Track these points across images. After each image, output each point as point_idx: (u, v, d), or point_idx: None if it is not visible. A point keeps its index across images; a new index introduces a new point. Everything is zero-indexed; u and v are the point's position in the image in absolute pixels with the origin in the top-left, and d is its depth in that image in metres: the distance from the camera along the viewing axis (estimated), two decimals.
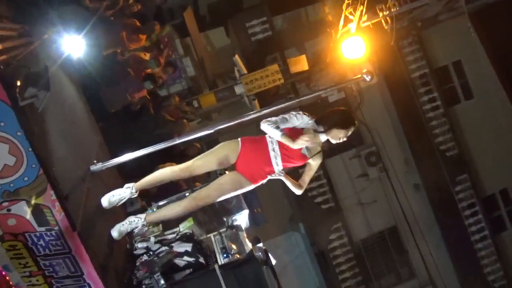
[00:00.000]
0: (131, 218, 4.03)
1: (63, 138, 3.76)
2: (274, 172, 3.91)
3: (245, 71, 9.04)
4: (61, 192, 3.23)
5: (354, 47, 8.56)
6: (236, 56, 9.05)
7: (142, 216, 4.07)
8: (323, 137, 3.94)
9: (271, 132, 3.76)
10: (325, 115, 3.96)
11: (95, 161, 4.10)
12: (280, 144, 3.83)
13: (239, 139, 3.98)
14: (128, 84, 6.90)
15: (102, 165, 4.11)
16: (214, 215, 5.08)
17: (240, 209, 5.11)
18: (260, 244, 4.12)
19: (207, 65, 9.70)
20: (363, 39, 8.44)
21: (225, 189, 3.92)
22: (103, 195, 3.91)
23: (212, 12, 10.99)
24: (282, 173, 3.96)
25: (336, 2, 9.47)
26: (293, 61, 9.42)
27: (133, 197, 4.01)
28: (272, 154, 3.88)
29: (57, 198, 3.21)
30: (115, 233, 4.00)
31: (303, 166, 4.14)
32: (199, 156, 3.98)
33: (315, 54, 9.88)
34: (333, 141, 3.93)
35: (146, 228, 4.51)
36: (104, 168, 4.12)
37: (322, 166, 10.60)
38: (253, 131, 4.26)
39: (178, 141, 4.28)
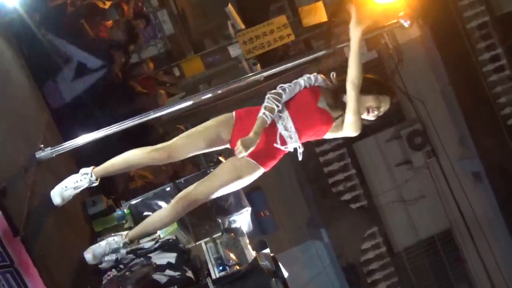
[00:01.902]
0: (109, 238, 4.12)
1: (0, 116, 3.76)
2: (286, 144, 3.90)
3: (242, 26, 8.99)
4: None
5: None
6: (230, 6, 8.99)
7: (123, 232, 4.12)
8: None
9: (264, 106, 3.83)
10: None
11: (41, 146, 4.10)
12: (291, 106, 3.89)
13: (233, 112, 4.04)
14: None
15: (51, 150, 4.12)
16: (205, 216, 5.10)
17: (240, 207, 5.12)
18: (267, 251, 4.12)
19: (191, 20, 9.69)
20: None
21: (226, 179, 3.91)
22: (53, 188, 3.92)
23: None
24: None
25: None
26: (306, 10, 9.36)
27: (93, 185, 4.03)
28: (279, 126, 3.89)
29: None
30: (88, 255, 4.07)
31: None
32: (181, 135, 4.00)
33: (335, 2, 9.81)
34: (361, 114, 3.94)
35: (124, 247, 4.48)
36: (54, 155, 4.12)
37: (350, 152, 10.66)
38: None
39: (152, 115, 4.26)
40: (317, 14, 9.36)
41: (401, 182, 11.03)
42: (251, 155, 3.82)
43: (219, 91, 4.32)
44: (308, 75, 4.05)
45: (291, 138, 3.92)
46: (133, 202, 5.13)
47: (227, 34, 9.42)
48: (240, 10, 9.46)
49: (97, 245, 4.13)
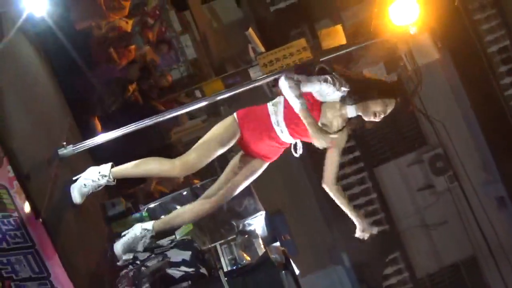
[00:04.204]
0: (137, 229, 4.33)
1: (25, 110, 4.05)
2: (287, 144, 4.15)
3: (262, 49, 9.29)
4: (20, 169, 3.48)
5: (405, 11, 8.77)
6: (250, 29, 9.31)
7: (149, 225, 4.34)
8: (351, 111, 4.08)
9: (289, 96, 3.91)
10: (357, 87, 4.04)
11: (64, 143, 4.37)
12: (286, 115, 4.04)
13: (234, 114, 4.21)
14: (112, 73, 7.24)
15: (73, 148, 4.38)
16: (221, 220, 5.31)
17: (255, 211, 5.31)
18: (277, 244, 4.29)
19: (212, 45, 10.02)
20: (418, 1, 8.65)
21: (239, 178, 4.27)
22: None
23: None
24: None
25: None
26: (325, 33, 9.61)
27: (110, 185, 4.27)
28: (276, 128, 4.10)
29: (16, 176, 3.45)
30: (118, 251, 4.33)
31: None
32: (194, 149, 4.15)
33: (355, 25, 10.08)
34: (366, 118, 4.04)
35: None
36: (75, 152, 4.38)
37: (371, 176, 10.78)
38: None
39: (167, 115, 4.54)
40: (337, 37, 9.60)
41: (423, 207, 11.09)
42: (252, 153, 4.17)
43: (233, 93, 4.55)
44: (330, 81, 3.96)
45: (282, 132, 4.12)
46: (151, 205, 5.37)
47: (248, 58, 9.73)
48: (261, 35, 9.77)
49: (126, 237, 4.34)
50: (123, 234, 4.40)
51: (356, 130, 4.37)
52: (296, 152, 4.22)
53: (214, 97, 4.71)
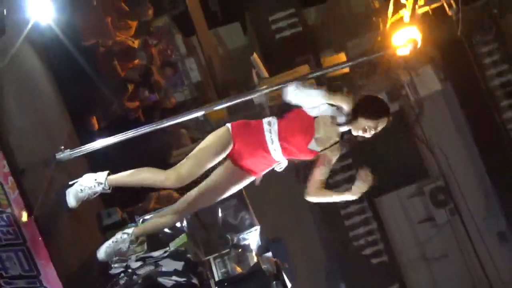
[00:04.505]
0: (118, 236, 4.28)
1: (25, 110, 4.12)
2: (276, 162, 4.15)
3: (266, 74, 9.40)
4: (16, 164, 3.52)
5: (408, 41, 8.89)
6: (254, 55, 9.44)
7: (130, 230, 4.32)
8: (342, 126, 4.08)
9: (306, 93, 3.90)
10: None
11: (62, 147, 4.41)
12: (280, 134, 4.02)
13: (228, 125, 4.11)
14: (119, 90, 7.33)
15: (70, 152, 4.41)
16: (215, 233, 5.31)
17: (251, 226, 5.31)
18: (269, 254, 4.28)
19: (217, 69, 10.14)
20: (421, 31, 8.76)
21: (221, 187, 4.20)
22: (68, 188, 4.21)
23: (225, 6, 11.57)
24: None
25: None
26: (329, 61, 9.76)
27: (105, 192, 4.28)
28: (270, 146, 4.07)
29: (11, 171, 3.49)
30: (101, 255, 4.27)
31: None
32: (188, 160, 4.10)
33: (359, 55, 10.20)
34: (355, 132, 4.03)
35: (130, 246, 4.72)
36: (72, 157, 4.42)
37: (372, 207, 10.75)
38: None
39: (165, 123, 4.59)
40: None
41: (423, 239, 11.00)
42: (242, 165, 4.13)
43: (228, 104, 4.60)
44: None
45: (275, 150, 4.09)
46: (147, 217, 5.37)
47: (252, 82, 9.83)
48: (265, 61, 9.89)
49: (106, 244, 4.32)
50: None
51: (351, 147, 4.39)
52: (279, 169, 4.23)
53: (211, 107, 4.74)
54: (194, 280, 4.55)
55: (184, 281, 4.51)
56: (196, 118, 9.93)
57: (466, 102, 10.59)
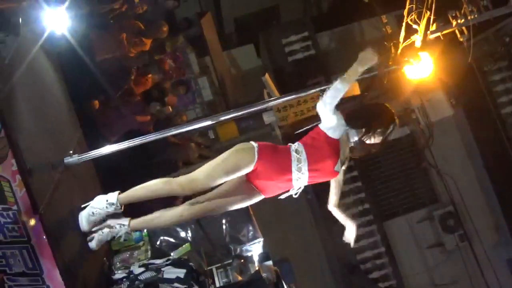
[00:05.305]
0: (112, 222, 4.34)
1: (36, 113, 4.24)
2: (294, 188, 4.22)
3: (277, 94, 9.50)
4: (24, 163, 3.63)
5: (419, 66, 8.97)
6: (266, 75, 9.56)
7: (126, 221, 4.36)
8: (352, 134, 4.20)
9: (333, 93, 4.09)
10: (356, 111, 4.30)
11: (70, 152, 4.53)
12: (310, 163, 4.10)
13: (255, 145, 4.14)
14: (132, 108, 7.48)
15: (79, 157, 4.54)
16: (218, 244, 5.37)
17: (254, 238, 5.37)
18: (269, 262, 4.33)
19: (229, 89, 10.27)
20: (432, 56, 8.84)
21: (230, 200, 4.21)
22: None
23: (239, 28, 11.77)
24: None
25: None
26: None
27: (117, 212, 4.36)
28: (294, 175, 4.13)
29: (19, 170, 3.60)
30: (93, 243, 4.35)
31: None
32: (204, 169, 4.16)
33: (370, 79, 10.29)
34: (366, 140, 4.16)
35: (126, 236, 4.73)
36: (80, 162, 4.54)
37: (380, 230, 10.74)
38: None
39: (173, 131, 4.70)
40: (351, 88, 9.81)
41: (432, 265, 10.96)
42: (257, 186, 4.19)
43: (238, 114, 4.71)
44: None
45: (298, 179, 4.16)
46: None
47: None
48: (277, 83, 10.00)
49: (100, 231, 4.36)
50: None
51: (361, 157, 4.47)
52: (295, 195, 4.29)
53: (217, 117, 4.84)
54: None
55: None
56: (207, 135, 10.13)
57: (477, 129, 10.63)
